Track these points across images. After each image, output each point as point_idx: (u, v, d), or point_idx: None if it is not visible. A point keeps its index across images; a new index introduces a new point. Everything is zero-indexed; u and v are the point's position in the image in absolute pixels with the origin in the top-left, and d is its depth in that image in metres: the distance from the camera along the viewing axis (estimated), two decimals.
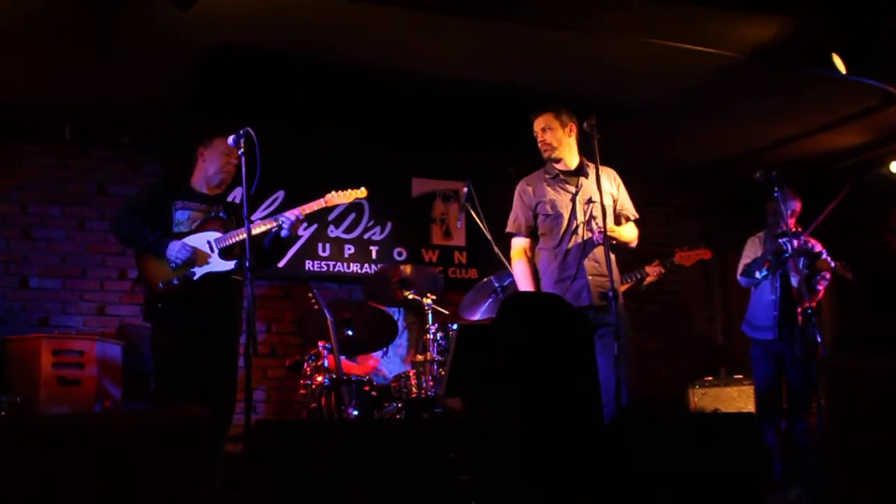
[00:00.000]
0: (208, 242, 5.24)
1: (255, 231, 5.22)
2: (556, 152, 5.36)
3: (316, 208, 5.39)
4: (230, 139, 4.89)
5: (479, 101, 7.09)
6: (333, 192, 5.51)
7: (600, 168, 5.19)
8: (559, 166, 5.40)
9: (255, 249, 5.36)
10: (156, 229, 5.24)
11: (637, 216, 5.50)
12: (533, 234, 5.43)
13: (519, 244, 5.47)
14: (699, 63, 6.39)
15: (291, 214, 5.31)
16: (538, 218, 5.39)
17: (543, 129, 5.37)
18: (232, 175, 5.40)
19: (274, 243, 5.42)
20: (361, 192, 5.62)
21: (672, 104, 7.21)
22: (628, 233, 5.40)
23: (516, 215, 5.49)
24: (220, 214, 5.38)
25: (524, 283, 5.36)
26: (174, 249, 5.16)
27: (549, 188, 5.38)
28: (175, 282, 5.17)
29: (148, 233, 5.23)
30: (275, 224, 5.28)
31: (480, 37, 6.07)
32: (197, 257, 5.20)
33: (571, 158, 5.40)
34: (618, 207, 5.39)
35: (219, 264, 5.23)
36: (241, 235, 5.06)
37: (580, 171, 5.39)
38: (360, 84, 6.75)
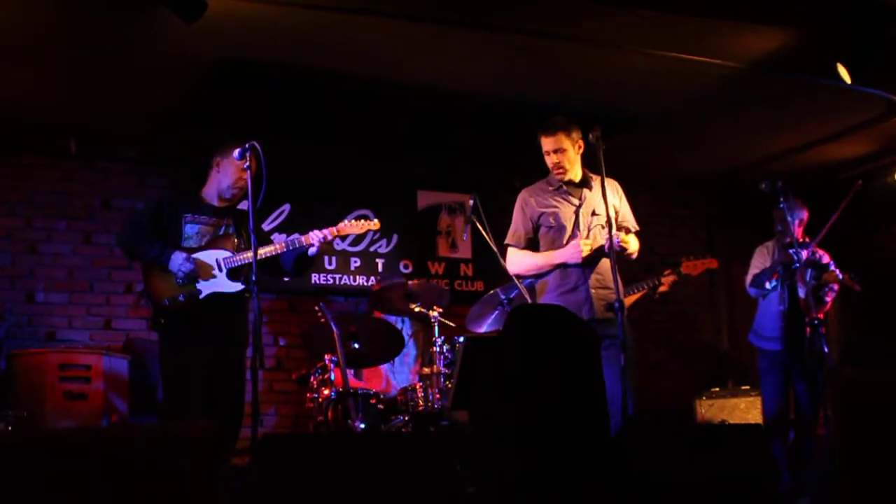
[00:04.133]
0: (217, 261, 5.20)
1: (269, 250, 5.20)
2: (569, 174, 5.32)
3: (329, 237, 5.30)
4: (236, 153, 4.90)
5: (484, 113, 7.10)
6: (346, 222, 5.43)
7: (589, 175, 5.24)
8: (563, 178, 5.38)
9: (272, 266, 5.37)
10: (156, 242, 5.18)
11: (638, 228, 5.48)
12: (532, 246, 5.40)
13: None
14: (703, 74, 6.40)
15: (318, 236, 5.25)
16: (540, 230, 5.37)
17: (556, 151, 5.27)
18: (244, 190, 5.24)
19: (301, 262, 5.40)
20: (375, 224, 5.55)
21: (676, 115, 7.22)
22: (633, 244, 5.39)
23: (517, 227, 5.45)
24: (230, 230, 5.35)
25: (529, 263, 5.37)
26: (177, 262, 5.12)
27: (552, 199, 5.36)
28: (181, 298, 5.14)
29: (148, 247, 5.19)
30: (290, 245, 5.25)
31: (485, 49, 6.08)
32: (200, 271, 5.16)
33: (576, 171, 5.37)
34: (619, 219, 5.36)
35: (226, 285, 5.20)
36: (250, 255, 5.03)
37: (584, 183, 5.37)
38: (366, 96, 6.76)
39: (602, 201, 5.03)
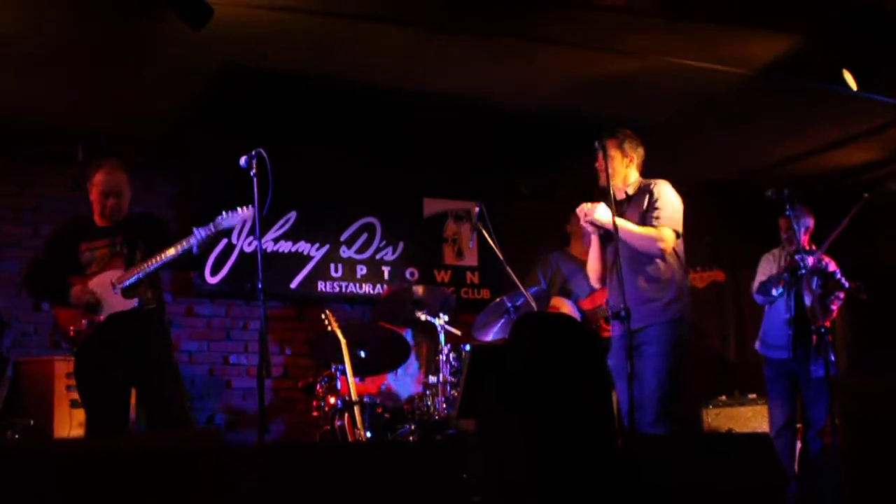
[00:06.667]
0: (111, 282, 5.28)
1: (167, 255, 5.24)
2: (607, 182, 5.10)
3: (203, 235, 5.28)
4: (242, 160, 4.88)
5: (491, 120, 7.10)
6: (223, 214, 5.36)
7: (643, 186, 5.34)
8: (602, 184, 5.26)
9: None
10: (50, 286, 5.41)
11: (663, 225, 5.23)
12: None
13: None
14: (710, 80, 6.38)
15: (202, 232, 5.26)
16: None
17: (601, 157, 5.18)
18: (113, 215, 5.43)
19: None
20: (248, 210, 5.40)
21: (683, 122, 7.20)
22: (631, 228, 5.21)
23: None
24: (123, 248, 5.39)
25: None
26: (76, 296, 5.26)
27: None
28: (84, 324, 5.25)
29: (46, 291, 5.54)
30: (186, 244, 5.25)
31: (492, 56, 6.08)
32: (100, 300, 5.26)
33: (618, 183, 5.29)
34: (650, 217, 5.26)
35: (121, 303, 5.27)
36: (141, 270, 5.20)
37: (627, 199, 5.35)
38: (372, 103, 6.76)
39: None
